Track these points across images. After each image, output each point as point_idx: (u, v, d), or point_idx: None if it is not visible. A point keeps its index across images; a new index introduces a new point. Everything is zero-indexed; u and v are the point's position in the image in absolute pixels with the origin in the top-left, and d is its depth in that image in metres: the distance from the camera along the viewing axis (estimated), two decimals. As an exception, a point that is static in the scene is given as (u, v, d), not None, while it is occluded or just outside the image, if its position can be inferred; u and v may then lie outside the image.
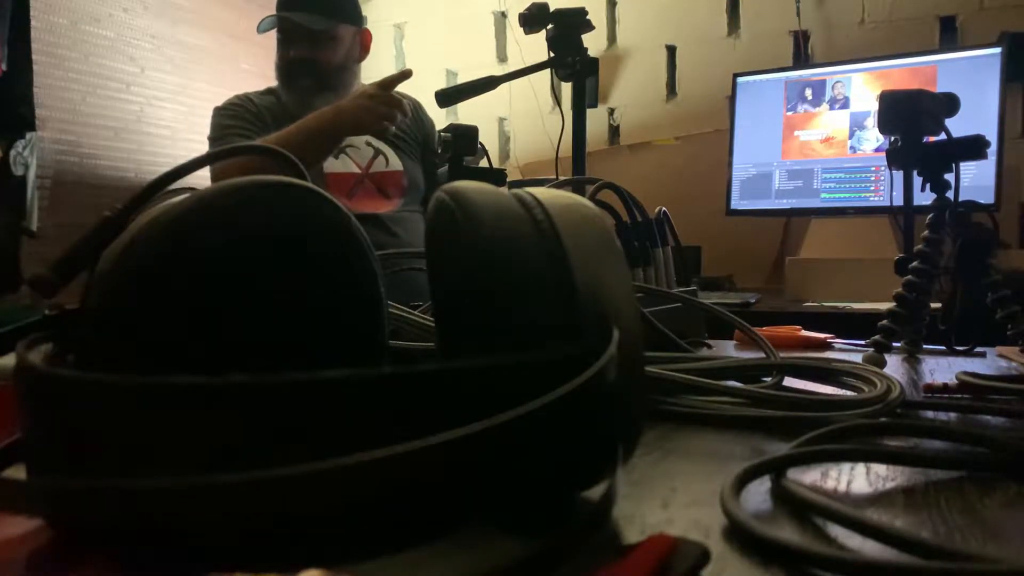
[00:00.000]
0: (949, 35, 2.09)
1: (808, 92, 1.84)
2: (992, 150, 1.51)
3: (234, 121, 1.64)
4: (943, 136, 0.71)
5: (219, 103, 1.73)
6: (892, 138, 0.72)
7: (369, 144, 1.70)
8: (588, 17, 1.35)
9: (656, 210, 0.85)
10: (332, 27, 1.65)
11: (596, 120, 2.42)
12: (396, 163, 1.72)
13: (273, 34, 1.68)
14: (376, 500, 0.20)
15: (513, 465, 0.23)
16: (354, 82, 1.73)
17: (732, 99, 1.95)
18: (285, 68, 1.67)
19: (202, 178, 1.60)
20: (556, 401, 0.23)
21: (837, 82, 1.81)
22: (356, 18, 1.73)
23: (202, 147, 2.13)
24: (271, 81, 1.78)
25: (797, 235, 2.04)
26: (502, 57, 2.66)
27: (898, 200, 0.74)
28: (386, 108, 1.44)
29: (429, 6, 2.74)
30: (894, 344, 0.69)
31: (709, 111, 2.32)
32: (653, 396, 0.47)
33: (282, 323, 0.32)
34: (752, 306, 1.59)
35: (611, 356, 0.26)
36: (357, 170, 1.68)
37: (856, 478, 0.35)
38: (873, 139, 1.75)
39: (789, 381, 0.54)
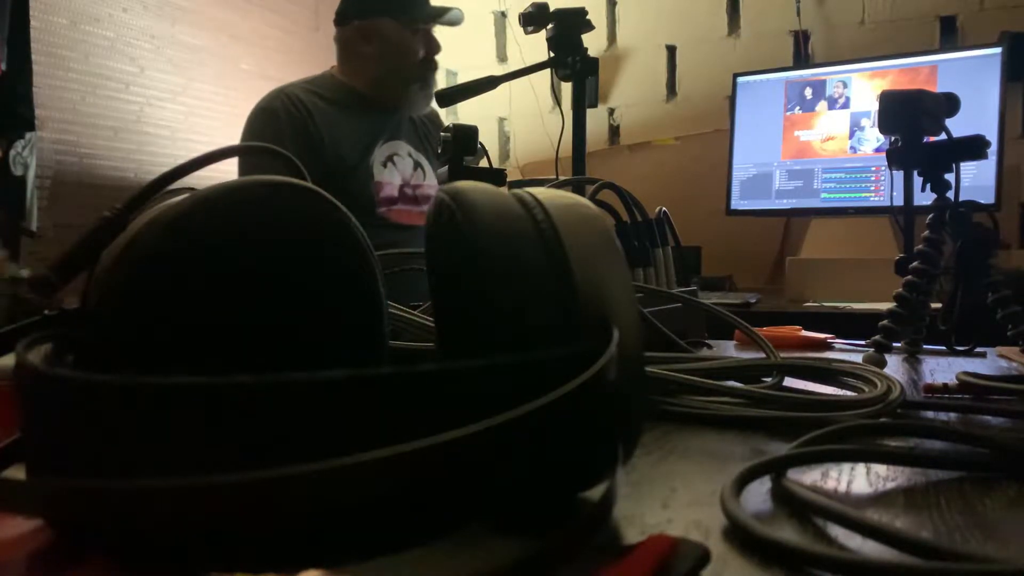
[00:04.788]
0: (949, 35, 2.09)
1: (808, 92, 1.84)
2: (992, 150, 1.51)
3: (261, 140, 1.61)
4: (943, 136, 0.71)
5: (262, 98, 1.66)
6: (892, 138, 0.72)
7: (410, 155, 1.72)
8: (588, 17, 1.35)
9: (656, 210, 0.85)
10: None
11: (596, 120, 2.41)
12: (432, 178, 1.74)
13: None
14: (376, 500, 0.20)
15: (513, 465, 0.23)
16: None
17: (732, 99, 1.95)
18: (420, 69, 1.68)
19: (202, 178, 1.59)
20: (556, 401, 0.23)
21: (837, 82, 1.81)
22: None
23: (202, 147, 2.13)
24: (272, 81, 1.77)
25: (797, 235, 2.04)
26: (502, 57, 2.66)
27: (898, 200, 0.74)
28: None
29: (429, 6, 2.74)
30: (894, 344, 0.69)
31: (709, 111, 2.32)
32: (653, 396, 0.47)
33: (282, 323, 0.32)
34: (752, 306, 1.59)
35: (611, 356, 0.26)
36: (400, 181, 1.68)
37: (856, 478, 0.35)
38: (873, 139, 1.75)
39: (789, 381, 0.54)
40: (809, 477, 0.35)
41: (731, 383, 0.50)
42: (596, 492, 0.25)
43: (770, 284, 2.15)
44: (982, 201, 0.72)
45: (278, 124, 1.60)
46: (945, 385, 0.54)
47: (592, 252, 0.29)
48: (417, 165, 1.72)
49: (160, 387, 0.23)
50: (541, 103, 2.51)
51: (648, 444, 0.40)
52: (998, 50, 1.64)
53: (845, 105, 1.80)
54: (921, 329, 0.75)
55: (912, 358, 0.75)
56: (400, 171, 1.68)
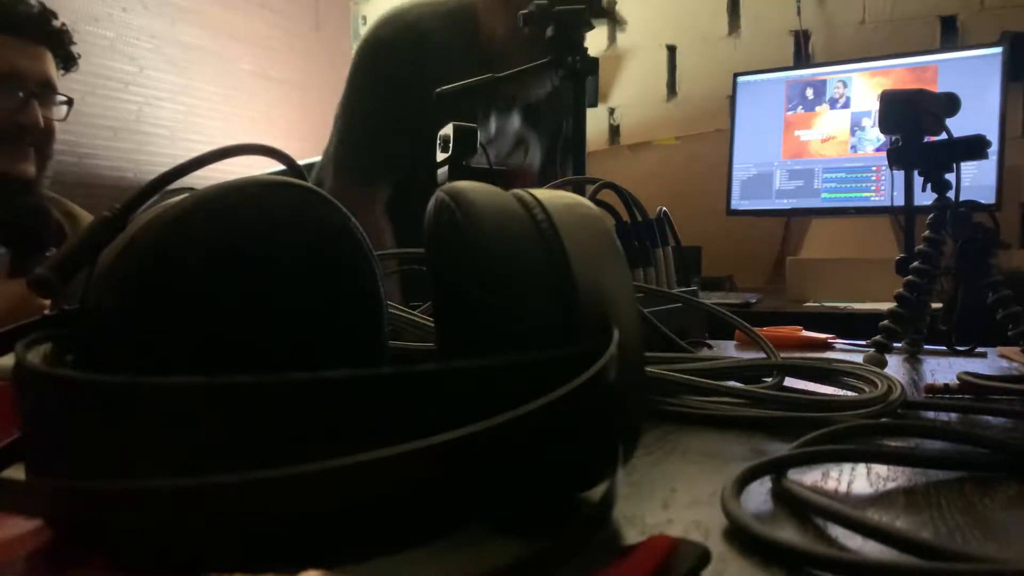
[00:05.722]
0: (950, 35, 2.09)
1: (809, 92, 1.84)
2: (993, 150, 1.51)
3: (380, 120, 1.26)
4: (944, 136, 0.70)
5: (373, 24, 1.32)
6: (893, 138, 0.72)
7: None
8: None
9: (656, 210, 0.84)
10: None
11: (596, 120, 2.41)
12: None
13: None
14: (376, 500, 0.20)
15: (513, 465, 0.23)
16: None
17: (732, 99, 1.94)
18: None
19: (202, 178, 1.60)
20: (556, 401, 0.23)
21: (838, 82, 1.81)
22: None
23: (201, 147, 2.13)
24: (272, 81, 1.76)
25: (797, 235, 2.04)
26: (502, 57, 2.66)
27: (899, 200, 0.74)
28: None
29: (429, 6, 2.74)
30: (895, 344, 0.69)
31: (709, 111, 2.32)
32: (653, 396, 0.47)
33: (282, 323, 0.32)
34: (752, 306, 1.59)
35: (611, 356, 0.26)
36: None
37: (857, 479, 0.35)
38: (874, 139, 1.75)
39: (790, 381, 0.54)
40: (809, 477, 0.35)
41: (731, 383, 0.50)
42: (596, 492, 0.25)
43: (770, 284, 2.15)
44: (983, 201, 0.72)
45: (391, 60, 1.30)
46: (946, 385, 0.54)
47: (592, 252, 0.29)
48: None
49: (160, 387, 0.23)
50: (541, 103, 2.51)
51: (648, 444, 0.40)
52: (998, 50, 1.64)
53: (846, 105, 1.80)
54: (922, 329, 0.75)
55: (913, 358, 0.75)
56: None
